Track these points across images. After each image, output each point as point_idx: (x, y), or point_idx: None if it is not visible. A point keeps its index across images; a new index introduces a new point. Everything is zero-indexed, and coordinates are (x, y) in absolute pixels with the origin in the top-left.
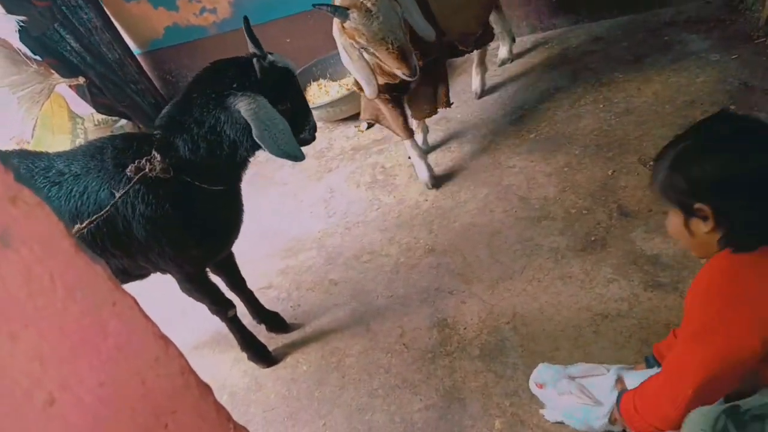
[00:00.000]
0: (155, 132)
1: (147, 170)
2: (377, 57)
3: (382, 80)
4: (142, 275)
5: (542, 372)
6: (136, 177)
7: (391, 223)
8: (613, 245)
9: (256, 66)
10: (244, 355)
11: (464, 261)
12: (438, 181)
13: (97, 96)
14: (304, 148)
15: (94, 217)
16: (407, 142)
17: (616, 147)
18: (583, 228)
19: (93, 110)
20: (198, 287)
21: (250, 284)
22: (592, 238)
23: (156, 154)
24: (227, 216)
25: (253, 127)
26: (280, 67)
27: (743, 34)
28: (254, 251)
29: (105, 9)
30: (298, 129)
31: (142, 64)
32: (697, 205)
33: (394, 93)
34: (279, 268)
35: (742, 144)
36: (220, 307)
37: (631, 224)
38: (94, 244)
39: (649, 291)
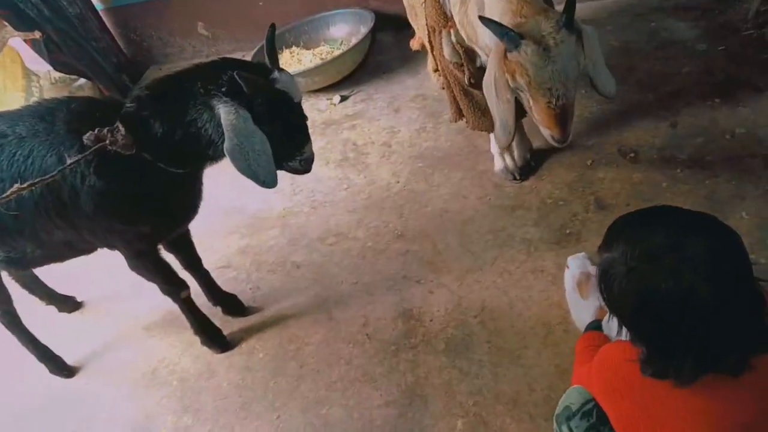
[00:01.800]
0: (129, 103)
1: (107, 142)
2: (530, 105)
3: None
4: (87, 249)
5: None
6: (94, 147)
7: (359, 205)
8: (588, 239)
9: (240, 81)
10: (197, 339)
11: (434, 249)
12: (522, 171)
13: (55, 52)
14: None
15: (37, 180)
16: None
17: (596, 135)
18: (558, 220)
19: (50, 67)
20: (148, 266)
21: (207, 263)
22: (567, 231)
23: (121, 127)
24: (185, 197)
25: (226, 137)
26: (277, 89)
27: (732, 25)
28: (212, 228)
29: None
30: (286, 156)
31: (105, 20)
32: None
33: None
34: (238, 246)
35: (663, 271)
36: (172, 287)
37: (608, 218)
38: (37, 213)
39: None
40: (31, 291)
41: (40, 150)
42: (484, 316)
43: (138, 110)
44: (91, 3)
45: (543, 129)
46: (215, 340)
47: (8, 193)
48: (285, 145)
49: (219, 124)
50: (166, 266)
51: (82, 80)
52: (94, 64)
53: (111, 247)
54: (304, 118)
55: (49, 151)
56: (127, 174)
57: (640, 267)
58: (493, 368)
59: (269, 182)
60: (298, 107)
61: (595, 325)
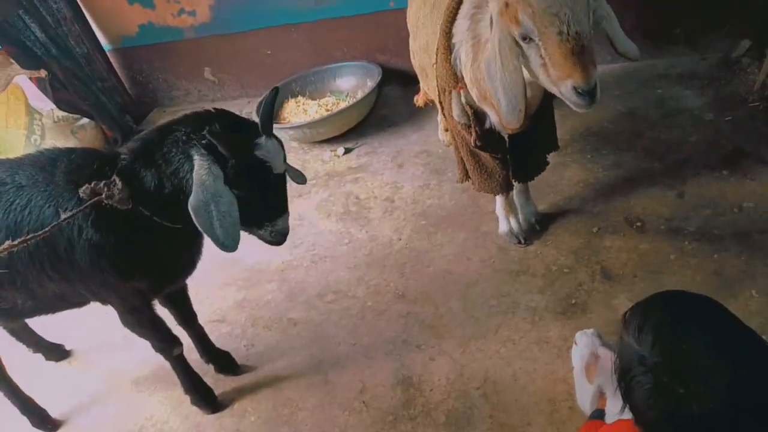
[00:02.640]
0: (122, 156)
1: (103, 196)
2: (542, 58)
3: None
4: (80, 303)
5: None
6: (90, 201)
7: (360, 261)
8: (594, 311)
9: (212, 139)
10: (187, 398)
11: (436, 312)
12: (527, 235)
13: (60, 91)
14: None
15: (30, 236)
16: (500, 198)
17: (602, 203)
18: (563, 288)
19: (53, 106)
20: (141, 322)
21: (201, 316)
22: (573, 301)
23: (117, 181)
24: (183, 253)
25: (193, 192)
26: (255, 155)
27: (738, 95)
28: (208, 278)
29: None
30: (257, 224)
31: (112, 61)
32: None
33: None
34: (234, 300)
35: (691, 389)
36: (165, 345)
37: (614, 289)
38: (31, 264)
39: None
40: (19, 338)
41: (38, 200)
42: (487, 388)
43: (132, 162)
44: (99, 43)
45: (563, 85)
46: (206, 400)
47: (0, 249)
48: (256, 212)
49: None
50: (160, 323)
51: (85, 120)
52: (98, 104)
53: (104, 301)
54: (282, 189)
55: (48, 202)
56: (124, 228)
57: (672, 386)
58: None
59: (229, 245)
60: (278, 178)
61: (598, 414)
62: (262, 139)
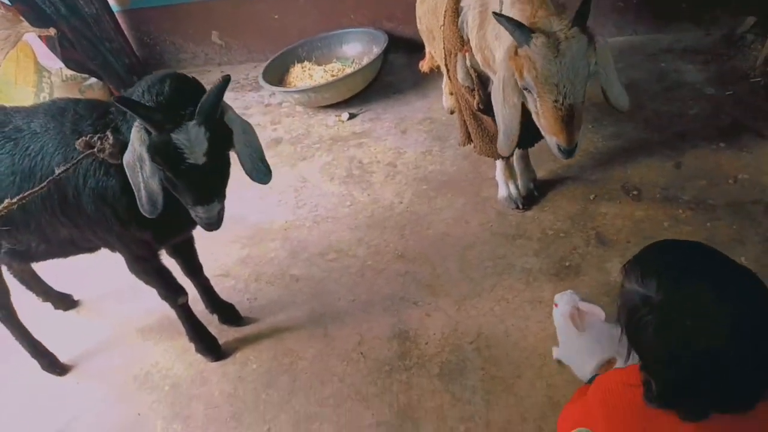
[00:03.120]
0: (110, 109)
1: (95, 150)
2: (537, 108)
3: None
4: (90, 248)
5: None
6: (83, 154)
7: (362, 223)
8: (587, 273)
9: (129, 110)
10: (192, 346)
11: (433, 272)
12: (525, 201)
13: (68, 50)
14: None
15: (27, 192)
16: (500, 163)
17: (600, 171)
18: (558, 251)
19: (62, 65)
20: (147, 270)
21: (207, 271)
22: (567, 264)
23: (109, 135)
24: (180, 209)
25: (128, 147)
26: (172, 140)
27: (740, 70)
28: (213, 235)
29: None
30: (185, 203)
31: (120, 22)
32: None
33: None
34: (239, 256)
35: (695, 324)
36: (170, 293)
37: (608, 253)
38: (43, 209)
39: None
40: (29, 286)
41: (49, 147)
42: (480, 342)
43: (115, 117)
44: (107, 4)
45: (549, 137)
46: (210, 348)
47: (2, 206)
48: (179, 192)
49: None
50: (166, 272)
51: (93, 79)
52: (105, 64)
53: (112, 248)
54: (199, 180)
55: (57, 149)
56: (123, 178)
57: (678, 322)
58: (485, 395)
59: (147, 209)
60: (194, 168)
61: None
62: (190, 124)
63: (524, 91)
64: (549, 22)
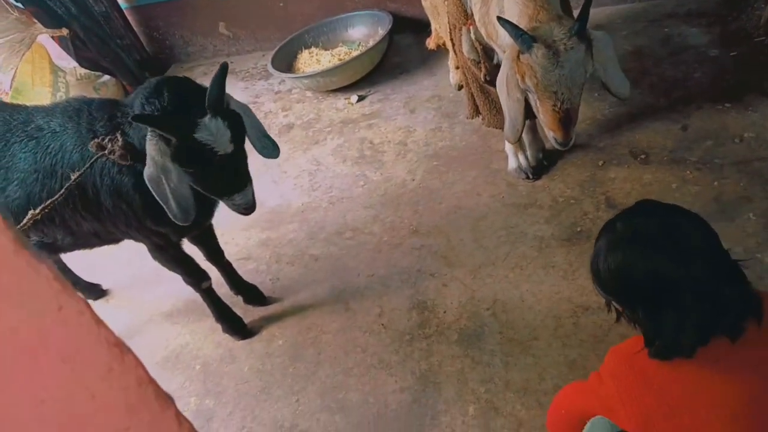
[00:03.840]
0: (123, 109)
1: (106, 152)
2: (537, 106)
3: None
4: (114, 240)
5: None
6: (95, 156)
7: (376, 201)
8: None
9: (148, 125)
10: (219, 327)
11: (448, 244)
12: (535, 171)
13: (81, 49)
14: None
15: (47, 203)
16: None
17: (608, 137)
18: (569, 218)
19: (76, 64)
20: (169, 259)
21: (228, 255)
22: (578, 229)
23: (119, 137)
24: (196, 201)
25: (147, 164)
26: (195, 138)
27: (744, 31)
28: (233, 221)
29: None
30: (219, 196)
31: (129, 19)
32: (608, 298)
33: None
34: (259, 239)
35: (639, 246)
36: (194, 278)
37: None
38: (66, 205)
39: None
40: None
41: (68, 146)
42: (496, 308)
43: (124, 120)
44: (116, 1)
45: (547, 131)
46: (236, 328)
47: (24, 220)
48: (212, 187)
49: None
50: (188, 259)
51: (106, 76)
52: (117, 61)
53: (134, 239)
54: (232, 167)
55: (75, 148)
56: (134, 178)
57: (621, 244)
58: (504, 358)
59: (180, 217)
60: (224, 158)
61: None
62: (206, 119)
63: (525, 90)
64: (550, 29)
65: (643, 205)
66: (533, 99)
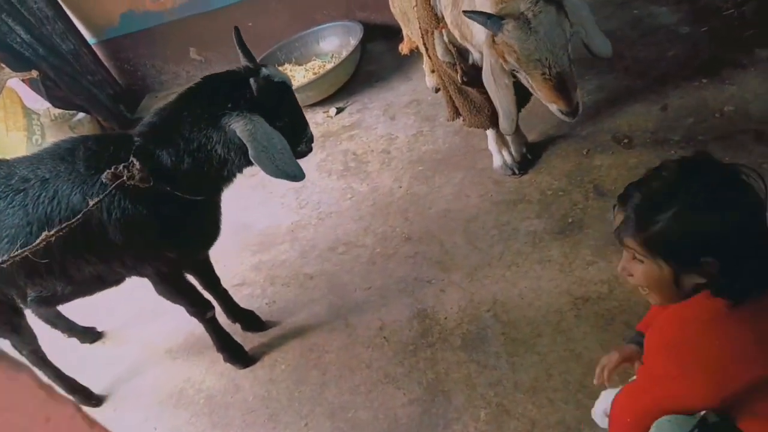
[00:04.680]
0: (135, 138)
1: (125, 178)
2: (530, 84)
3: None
4: (116, 281)
5: (611, 398)
6: (113, 184)
7: (365, 212)
8: (590, 226)
9: (253, 85)
10: (220, 357)
11: (442, 248)
12: (521, 166)
13: (52, 89)
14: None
15: (63, 225)
16: (490, 133)
17: (590, 125)
18: (560, 210)
19: (48, 104)
20: (175, 289)
21: (223, 281)
22: (570, 220)
23: (135, 162)
24: (205, 223)
25: (249, 148)
26: (277, 81)
27: (713, 6)
28: (225, 247)
29: None
30: (296, 143)
31: (98, 53)
32: (706, 259)
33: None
34: (251, 263)
35: (733, 196)
36: (198, 308)
37: (608, 204)
38: (67, 251)
39: None
40: (53, 325)
41: (64, 190)
42: (497, 309)
43: (145, 143)
44: (83, 37)
45: (550, 105)
46: (238, 356)
47: (37, 241)
48: (294, 132)
49: (230, 141)
50: (192, 288)
51: (81, 114)
52: (90, 98)
53: (141, 274)
54: (297, 102)
55: (73, 190)
56: (149, 205)
57: (702, 205)
58: (509, 358)
59: (299, 175)
60: (293, 94)
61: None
62: (265, 69)
63: (514, 72)
64: (516, 3)
65: (685, 168)
66: (524, 78)
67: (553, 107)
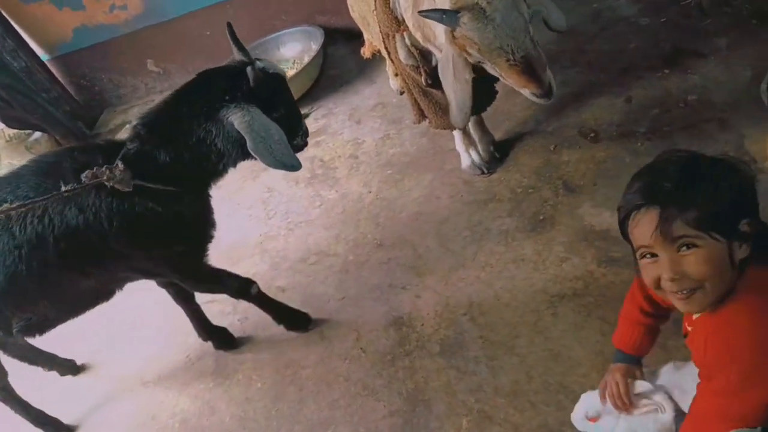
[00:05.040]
0: (129, 143)
1: (104, 179)
2: (499, 73)
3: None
4: (110, 292)
5: (590, 402)
6: (90, 182)
7: (335, 220)
8: (562, 222)
9: (250, 76)
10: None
11: (415, 253)
12: (489, 165)
13: (6, 109)
14: None
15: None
16: (457, 133)
17: (555, 121)
18: (530, 207)
19: (2, 125)
20: (208, 276)
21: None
22: (541, 217)
23: (119, 164)
24: (205, 217)
25: (248, 139)
26: (272, 73)
27: None
28: None
29: (3, 14)
30: (292, 135)
31: (53, 70)
32: (745, 222)
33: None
34: None
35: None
36: (242, 285)
37: (578, 199)
38: (62, 267)
39: (603, 267)
40: (31, 361)
41: (55, 206)
42: (473, 311)
43: (141, 146)
44: (36, 54)
45: (522, 90)
46: (299, 321)
47: None
48: (290, 125)
49: (228, 134)
50: (223, 271)
51: (37, 134)
52: (47, 116)
53: (159, 275)
54: (292, 95)
55: (67, 204)
56: (149, 206)
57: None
58: (489, 362)
59: (296, 165)
60: (288, 86)
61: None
62: (259, 62)
63: (479, 64)
64: None
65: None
66: (491, 68)
67: (526, 92)
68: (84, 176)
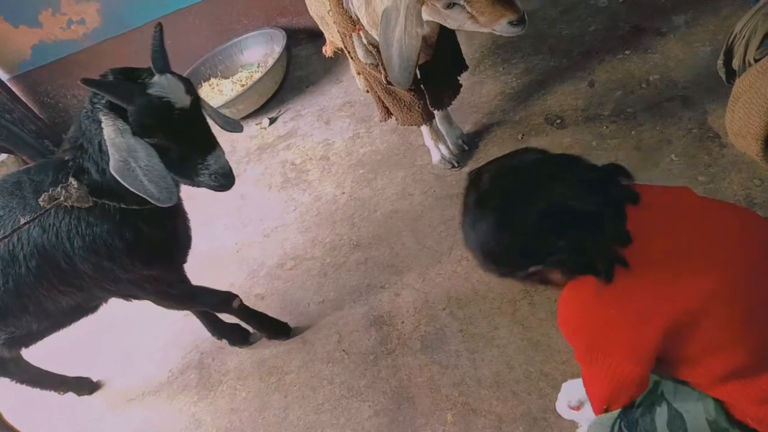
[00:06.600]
0: (66, 157)
1: (62, 199)
2: (470, 14)
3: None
4: (94, 307)
5: (572, 391)
6: (49, 206)
7: (311, 223)
8: None
9: (102, 92)
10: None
11: (391, 251)
12: (459, 158)
13: None
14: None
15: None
16: (425, 129)
17: (522, 109)
18: None
19: None
20: (183, 295)
21: (170, 313)
22: None
23: (72, 181)
24: (172, 232)
25: (110, 155)
26: (150, 95)
27: None
28: None
29: None
30: (191, 169)
31: (14, 89)
32: (532, 269)
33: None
34: None
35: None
36: (223, 299)
37: None
38: (39, 286)
39: None
40: (42, 386)
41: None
42: (452, 306)
43: (75, 159)
44: None
45: (499, 26)
46: (279, 330)
47: None
48: (182, 157)
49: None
50: (202, 287)
51: (3, 155)
52: (11, 137)
53: (135, 298)
54: (197, 124)
55: (31, 223)
56: (110, 227)
57: (507, 212)
58: (470, 355)
59: (164, 198)
60: (185, 113)
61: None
62: (156, 78)
63: (447, 11)
64: None
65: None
66: (462, 12)
67: (503, 24)
68: (41, 200)
